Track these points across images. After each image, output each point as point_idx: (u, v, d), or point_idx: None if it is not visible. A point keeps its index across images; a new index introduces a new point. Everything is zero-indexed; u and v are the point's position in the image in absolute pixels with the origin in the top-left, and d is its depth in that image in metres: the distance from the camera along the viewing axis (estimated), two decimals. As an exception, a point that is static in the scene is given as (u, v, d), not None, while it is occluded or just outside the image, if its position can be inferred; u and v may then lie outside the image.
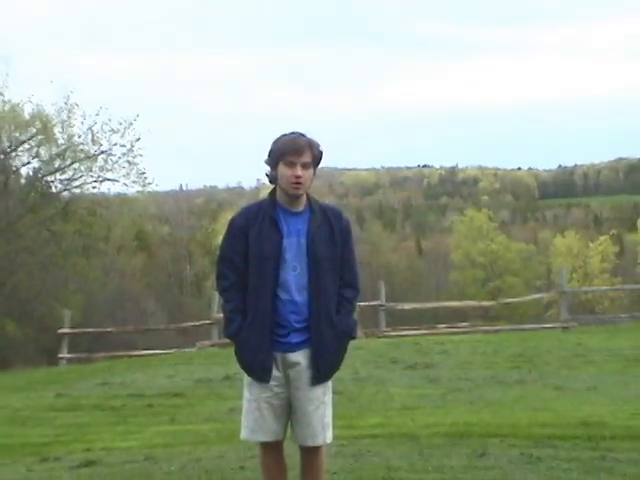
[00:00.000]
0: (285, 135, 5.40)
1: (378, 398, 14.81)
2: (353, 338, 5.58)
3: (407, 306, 32.32)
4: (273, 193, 5.45)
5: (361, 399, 14.58)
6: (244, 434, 5.50)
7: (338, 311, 5.42)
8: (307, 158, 5.32)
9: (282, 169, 5.34)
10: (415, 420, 11.62)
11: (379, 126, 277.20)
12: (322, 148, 5.42)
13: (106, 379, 19.12)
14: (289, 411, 5.41)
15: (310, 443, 5.42)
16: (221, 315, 20.73)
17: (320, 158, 5.42)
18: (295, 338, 5.35)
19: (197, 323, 31.85)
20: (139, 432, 12.31)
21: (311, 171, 5.39)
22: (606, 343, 20.39)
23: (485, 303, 43.05)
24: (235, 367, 6.76)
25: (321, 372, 5.38)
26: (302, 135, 5.39)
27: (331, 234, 5.42)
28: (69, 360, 28.67)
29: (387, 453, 8.94)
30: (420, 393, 15.14)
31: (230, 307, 5.45)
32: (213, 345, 27.30)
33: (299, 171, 5.30)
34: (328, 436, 5.47)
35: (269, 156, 5.40)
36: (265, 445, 5.48)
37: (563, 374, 16.56)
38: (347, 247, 5.53)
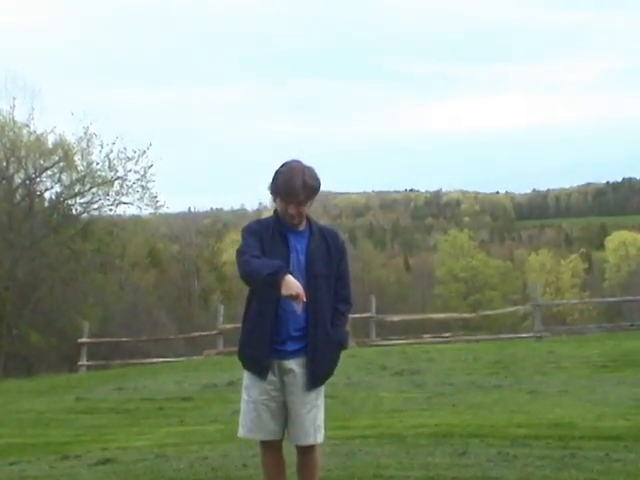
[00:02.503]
0: (285, 168, 5.34)
1: (369, 402, 14.80)
2: (345, 348, 5.61)
3: (395, 318, 32.33)
4: (277, 212, 5.47)
5: (353, 402, 14.57)
6: (242, 432, 5.52)
7: (332, 323, 5.44)
8: (301, 197, 5.29)
9: (279, 203, 5.37)
10: (402, 422, 11.62)
11: (370, 154, 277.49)
12: (318, 179, 5.39)
13: (121, 384, 19.11)
14: (286, 413, 5.43)
15: (303, 442, 5.43)
16: (227, 326, 20.50)
17: (317, 191, 5.39)
18: (291, 346, 5.37)
19: (204, 333, 31.85)
20: (151, 433, 12.30)
21: (307, 206, 5.38)
22: (576, 351, 20.39)
23: (466, 315, 43.07)
24: (238, 373, 6.77)
25: (315, 378, 5.40)
26: (300, 168, 5.32)
27: (328, 252, 5.44)
28: (88, 367, 28.65)
29: (377, 452, 8.93)
30: (407, 397, 15.13)
31: (255, 262, 5.14)
32: (218, 353, 27.28)
33: (293, 210, 5.31)
34: (319, 437, 5.48)
35: (271, 185, 5.41)
36: (264, 444, 5.49)
37: (537, 379, 16.56)
38: (342, 265, 5.55)
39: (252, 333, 5.38)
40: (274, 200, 5.44)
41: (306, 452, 5.49)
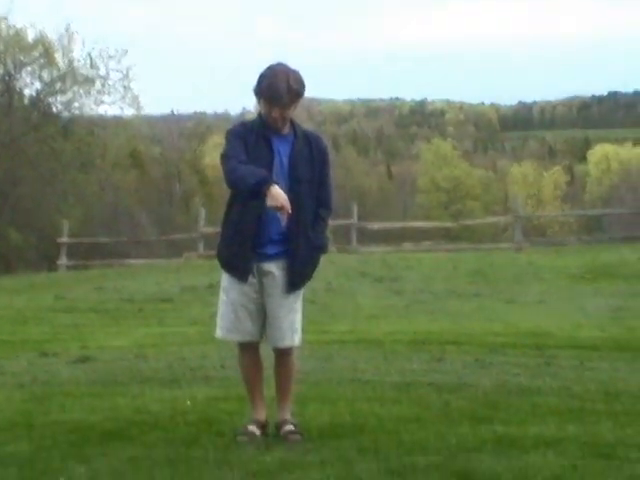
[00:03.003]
0: (269, 71, 5.28)
1: (348, 307, 14.91)
2: (325, 253, 5.62)
3: (377, 225, 32.41)
4: (262, 115, 5.39)
5: (332, 308, 14.69)
6: (219, 333, 5.54)
7: (313, 228, 5.43)
8: (285, 101, 5.23)
9: (263, 106, 5.30)
10: (381, 328, 11.73)
11: (356, 61, 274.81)
12: (303, 82, 5.32)
13: (101, 285, 19.15)
14: (264, 315, 5.44)
15: (280, 345, 5.46)
16: (207, 230, 20.54)
17: (301, 95, 5.32)
18: (271, 249, 5.36)
19: (185, 236, 31.84)
20: (130, 333, 12.37)
21: (291, 109, 5.31)
22: (555, 262, 20.52)
23: (447, 224, 43.15)
24: (218, 276, 6.74)
25: (294, 281, 5.40)
26: (285, 72, 5.25)
27: (311, 157, 5.41)
28: (67, 267, 28.64)
29: (355, 357, 9.02)
30: (386, 304, 15.25)
31: (242, 169, 5.15)
32: (199, 256, 27.31)
33: (277, 113, 5.25)
34: (296, 339, 5.50)
35: (256, 87, 5.34)
36: (242, 346, 5.51)
37: (515, 289, 16.70)
38: (325, 169, 5.52)
39: (233, 235, 5.36)
40: (258, 102, 5.38)
41: (283, 354, 5.51)
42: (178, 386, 7.41)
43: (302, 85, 5.33)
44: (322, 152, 5.50)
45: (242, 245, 5.32)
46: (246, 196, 5.18)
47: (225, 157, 5.31)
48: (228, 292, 5.44)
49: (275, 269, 5.36)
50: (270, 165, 5.26)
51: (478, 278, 18.41)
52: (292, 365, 5.57)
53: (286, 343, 5.45)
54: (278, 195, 4.98)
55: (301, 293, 5.52)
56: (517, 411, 6.10)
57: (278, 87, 5.20)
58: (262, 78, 5.28)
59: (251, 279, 5.35)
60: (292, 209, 5.15)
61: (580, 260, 20.67)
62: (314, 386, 7.20)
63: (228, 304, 5.43)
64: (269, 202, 4.98)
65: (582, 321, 12.01)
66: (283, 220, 5.09)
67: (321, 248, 5.51)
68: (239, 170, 5.15)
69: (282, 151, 5.35)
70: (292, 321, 5.44)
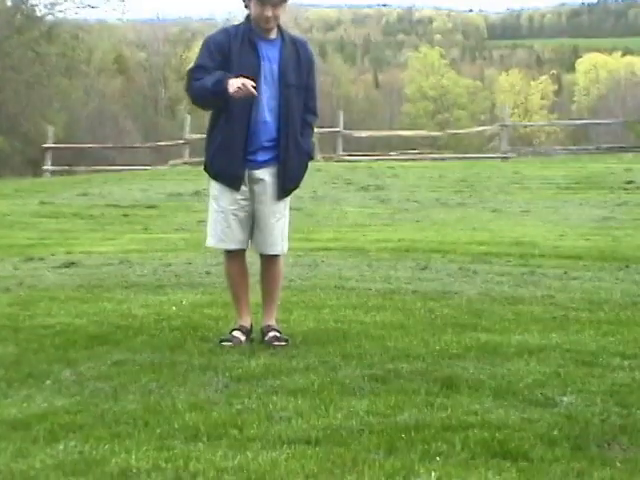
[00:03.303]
0: None
1: (333, 215, 14.92)
2: (312, 159, 5.61)
3: (363, 134, 32.26)
4: (249, 19, 5.32)
5: (318, 215, 14.69)
6: (211, 242, 5.51)
7: (301, 134, 5.39)
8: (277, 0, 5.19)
9: (254, 6, 5.21)
10: (366, 236, 11.74)
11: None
12: None
13: (86, 190, 19.06)
14: (252, 223, 5.42)
15: (270, 251, 5.46)
16: (193, 136, 20.43)
17: None
18: (262, 156, 5.33)
19: (170, 143, 31.64)
20: (115, 239, 12.35)
21: (281, 8, 5.26)
22: (541, 172, 20.52)
23: (434, 133, 43.08)
24: (204, 183, 6.71)
25: (285, 187, 5.39)
26: None
27: (298, 63, 5.36)
28: (52, 172, 28.49)
29: (340, 264, 9.04)
30: (371, 212, 15.26)
31: (200, 81, 5.18)
32: (184, 163, 27.20)
33: (269, 11, 5.19)
34: (285, 246, 5.51)
35: None
36: (230, 253, 5.50)
37: (500, 199, 16.71)
38: (311, 76, 5.49)
39: (223, 145, 5.30)
40: (247, 6, 5.29)
41: (271, 262, 5.51)
42: (163, 292, 7.43)
43: None
44: (309, 58, 5.46)
45: (233, 154, 5.28)
46: (212, 102, 5.23)
47: (189, 72, 5.36)
48: (219, 200, 5.41)
49: (266, 175, 5.34)
50: (257, 70, 5.22)
51: (464, 187, 18.40)
52: (279, 272, 5.58)
53: (277, 250, 5.46)
54: (235, 80, 5.02)
55: (289, 200, 5.51)
56: (501, 319, 6.14)
57: None
58: None
59: (242, 187, 5.32)
60: (282, 115, 5.22)
61: (566, 170, 20.67)
62: (299, 293, 7.23)
63: (219, 212, 5.40)
64: (230, 90, 5.01)
65: (567, 231, 12.04)
66: (252, 91, 5.04)
67: (309, 153, 5.52)
68: (197, 83, 5.19)
69: (270, 56, 5.30)
70: (282, 228, 5.45)
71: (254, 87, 5.06)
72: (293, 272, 8.11)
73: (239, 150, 5.26)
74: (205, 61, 5.26)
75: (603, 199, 16.13)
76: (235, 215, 5.36)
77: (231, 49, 5.23)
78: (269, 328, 5.46)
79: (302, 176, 5.47)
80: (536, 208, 15.21)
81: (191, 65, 5.41)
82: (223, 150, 5.30)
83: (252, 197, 5.36)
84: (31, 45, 40.68)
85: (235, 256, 5.49)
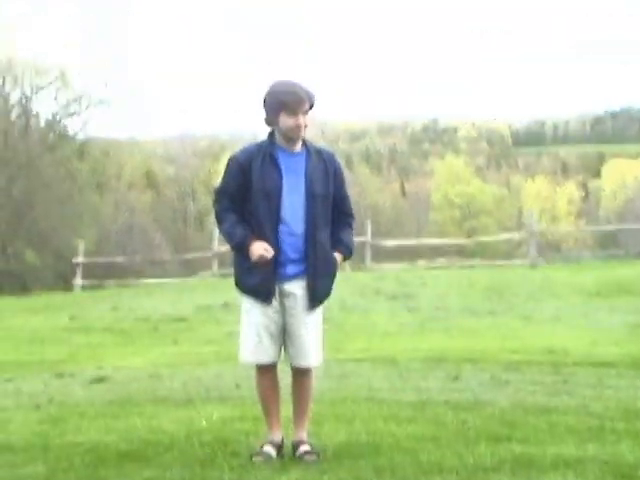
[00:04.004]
0: (281, 83, 5.36)
1: (363, 325, 14.87)
2: (352, 254, 5.63)
3: (391, 243, 32.33)
4: (272, 135, 5.42)
5: (347, 326, 14.64)
6: (244, 358, 5.46)
7: (342, 231, 5.51)
8: (306, 106, 5.31)
9: (284, 118, 5.30)
10: (396, 346, 11.67)
11: (369, 79, 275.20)
12: (315, 94, 5.40)
13: (116, 304, 19.16)
14: (283, 336, 5.39)
15: (303, 364, 5.40)
16: (222, 249, 20.54)
17: (314, 102, 5.39)
18: (291, 270, 5.34)
19: (199, 255, 31.84)
20: (145, 353, 12.35)
21: (308, 116, 5.38)
22: (570, 278, 20.42)
23: (461, 241, 43.13)
24: (233, 295, 6.73)
25: (316, 298, 5.38)
26: (298, 82, 5.37)
27: (325, 173, 5.42)
28: (82, 287, 28.70)
29: (370, 375, 8.97)
30: (400, 321, 15.19)
31: (227, 225, 5.39)
32: (213, 275, 27.32)
33: (301, 120, 5.30)
34: (319, 358, 5.46)
35: (268, 103, 5.35)
36: (261, 368, 5.46)
37: (530, 306, 16.61)
38: (343, 184, 5.57)
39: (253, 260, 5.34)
40: (270, 122, 5.38)
41: (303, 374, 5.46)
42: (193, 406, 7.37)
43: (315, 97, 5.41)
44: (336, 167, 5.54)
45: (262, 269, 5.30)
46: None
47: (216, 194, 5.51)
48: (250, 315, 5.39)
49: (296, 289, 5.34)
50: (279, 184, 5.29)
51: (493, 295, 18.33)
52: (311, 385, 5.51)
53: (310, 362, 5.41)
54: (256, 249, 5.22)
55: (321, 311, 5.50)
56: (535, 430, 6.03)
57: (299, 91, 5.30)
58: (275, 92, 5.33)
59: (273, 300, 5.33)
60: (308, 226, 5.30)
61: (595, 276, 20.56)
62: (330, 405, 7.16)
63: (251, 326, 5.38)
64: (253, 259, 5.23)
65: (599, 338, 11.92)
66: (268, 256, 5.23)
67: (350, 248, 5.58)
68: (224, 225, 5.40)
69: (295, 169, 5.35)
70: (315, 339, 5.41)
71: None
72: (323, 384, 8.04)
73: (269, 265, 5.29)
74: (227, 185, 5.42)
75: (634, 305, 15.99)
76: (267, 329, 5.35)
77: (252, 167, 5.32)
78: (300, 442, 5.39)
79: (331, 286, 5.47)
80: (566, 315, 15.10)
81: (216, 186, 5.54)
82: (253, 266, 5.33)
83: (283, 310, 5.35)
84: (63, 162, 41.53)
85: (267, 370, 5.45)
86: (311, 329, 5.39)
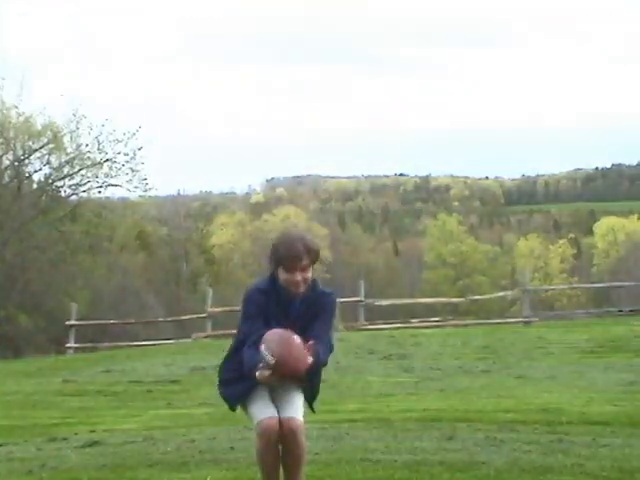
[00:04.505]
0: (284, 236, 5.42)
1: (357, 386, 14.82)
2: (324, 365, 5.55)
3: (384, 302, 32.35)
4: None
5: (341, 386, 14.59)
6: (256, 422, 5.42)
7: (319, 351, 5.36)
8: (305, 262, 5.30)
9: (282, 273, 5.33)
10: (390, 406, 11.63)
11: (360, 139, 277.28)
12: (318, 246, 5.43)
13: (109, 367, 19.09)
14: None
15: (293, 414, 5.36)
16: (215, 310, 20.58)
17: (319, 253, 5.42)
18: None
19: (193, 316, 31.82)
20: (139, 415, 12.29)
21: (310, 271, 5.36)
22: (564, 336, 20.44)
23: (455, 300, 43.13)
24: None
25: (312, 402, 5.62)
26: (298, 233, 5.46)
27: (316, 315, 5.42)
28: (75, 349, 28.63)
29: (364, 436, 8.94)
30: (395, 381, 15.16)
31: (246, 354, 5.40)
32: (207, 336, 27.28)
33: (298, 277, 5.30)
34: (301, 414, 5.46)
35: (270, 255, 5.41)
36: (261, 434, 5.32)
37: (525, 364, 16.61)
38: (323, 323, 5.46)
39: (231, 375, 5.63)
40: (275, 271, 5.40)
41: (294, 433, 5.38)
42: (187, 469, 7.34)
43: (318, 245, 5.45)
44: (326, 304, 5.48)
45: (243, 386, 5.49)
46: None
47: (242, 342, 5.49)
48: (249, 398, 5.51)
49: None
50: (285, 326, 5.32)
51: (487, 354, 18.33)
52: (303, 445, 5.45)
53: (298, 414, 5.42)
54: (262, 379, 5.24)
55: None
56: (530, 490, 6.02)
57: (297, 248, 5.28)
58: (277, 245, 5.38)
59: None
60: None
61: (590, 334, 20.59)
62: (324, 466, 7.13)
63: (252, 403, 5.48)
64: (258, 378, 5.26)
65: (593, 396, 11.90)
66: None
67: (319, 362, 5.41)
68: (246, 355, 5.36)
69: (288, 313, 5.43)
70: (300, 400, 5.49)
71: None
72: (317, 445, 8.02)
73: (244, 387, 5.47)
74: (255, 319, 5.39)
75: (629, 362, 16.00)
76: (262, 396, 5.42)
77: (269, 306, 5.37)
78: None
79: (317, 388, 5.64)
80: (561, 373, 15.09)
81: (241, 333, 5.54)
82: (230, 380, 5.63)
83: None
84: (55, 225, 41.65)
85: (266, 434, 5.33)
86: (298, 395, 5.49)
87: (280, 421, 5.39)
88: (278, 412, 5.40)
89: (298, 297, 5.41)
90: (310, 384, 5.49)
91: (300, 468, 5.46)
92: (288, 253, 5.28)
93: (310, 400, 5.55)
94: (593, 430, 8.91)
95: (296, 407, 5.42)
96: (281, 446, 5.46)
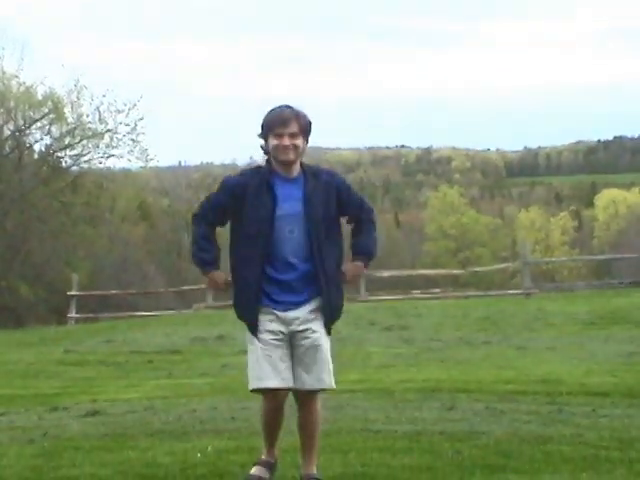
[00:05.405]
0: (272, 108, 5.35)
1: (357, 356, 14.86)
2: (371, 257, 5.67)
3: (385, 273, 32.33)
4: (269, 162, 5.38)
5: (342, 357, 14.62)
6: (253, 384, 5.29)
7: (360, 235, 5.48)
8: (294, 128, 5.24)
9: (272, 141, 5.26)
10: (391, 377, 11.67)
11: (362, 110, 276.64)
12: (309, 118, 5.35)
13: (110, 337, 19.14)
14: (291, 363, 5.28)
15: (317, 386, 5.32)
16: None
17: (309, 127, 5.33)
18: (293, 297, 5.26)
19: (194, 287, 31.81)
20: (140, 385, 12.32)
21: (300, 139, 5.27)
22: (564, 308, 20.46)
23: (456, 271, 43.13)
24: (227, 327, 6.80)
25: (328, 325, 5.37)
26: (289, 107, 5.33)
27: (326, 194, 5.33)
28: (77, 320, 28.66)
29: (365, 406, 8.96)
30: (395, 352, 15.20)
31: (200, 232, 5.47)
32: (208, 307, 27.31)
33: (287, 141, 5.22)
34: (332, 381, 5.40)
35: (261, 129, 5.35)
36: (267, 394, 5.29)
37: (525, 336, 16.64)
38: (350, 193, 5.46)
39: (240, 290, 5.35)
40: (265, 146, 5.35)
41: (311, 402, 5.36)
42: (188, 439, 7.35)
43: (308, 117, 5.36)
44: (339, 183, 5.46)
45: (248, 299, 5.30)
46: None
47: (193, 217, 5.50)
48: (253, 342, 5.32)
49: (302, 314, 5.28)
50: (272, 212, 5.22)
51: (488, 325, 18.36)
52: (318, 414, 5.43)
53: (324, 384, 5.35)
54: (212, 282, 5.51)
55: (329, 335, 5.44)
56: (530, 459, 6.04)
57: (285, 113, 5.27)
58: (266, 116, 5.34)
59: (276, 327, 5.26)
60: (314, 253, 5.22)
61: (590, 305, 20.60)
62: (325, 436, 7.13)
63: (254, 353, 5.28)
64: (209, 285, 5.57)
65: (593, 367, 11.93)
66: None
67: (368, 254, 5.61)
68: (194, 247, 5.49)
69: (292, 195, 5.29)
70: (327, 362, 5.36)
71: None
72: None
73: (252, 302, 5.26)
74: (214, 202, 5.41)
75: (629, 334, 16.03)
76: (270, 356, 5.22)
77: (246, 191, 5.27)
78: (309, 477, 5.34)
79: (341, 307, 5.43)
80: (561, 344, 15.12)
81: (202, 202, 5.52)
82: (241, 294, 5.34)
83: (289, 336, 5.27)
84: (56, 196, 41.57)
85: (273, 397, 5.29)
86: (322, 353, 5.32)
87: (302, 388, 5.32)
88: (302, 377, 5.29)
89: (291, 176, 5.33)
90: (329, 306, 5.32)
91: (315, 438, 5.45)
92: (277, 118, 5.26)
93: (327, 322, 5.36)
94: (593, 401, 8.94)
95: (319, 368, 5.31)
96: (298, 414, 5.44)
